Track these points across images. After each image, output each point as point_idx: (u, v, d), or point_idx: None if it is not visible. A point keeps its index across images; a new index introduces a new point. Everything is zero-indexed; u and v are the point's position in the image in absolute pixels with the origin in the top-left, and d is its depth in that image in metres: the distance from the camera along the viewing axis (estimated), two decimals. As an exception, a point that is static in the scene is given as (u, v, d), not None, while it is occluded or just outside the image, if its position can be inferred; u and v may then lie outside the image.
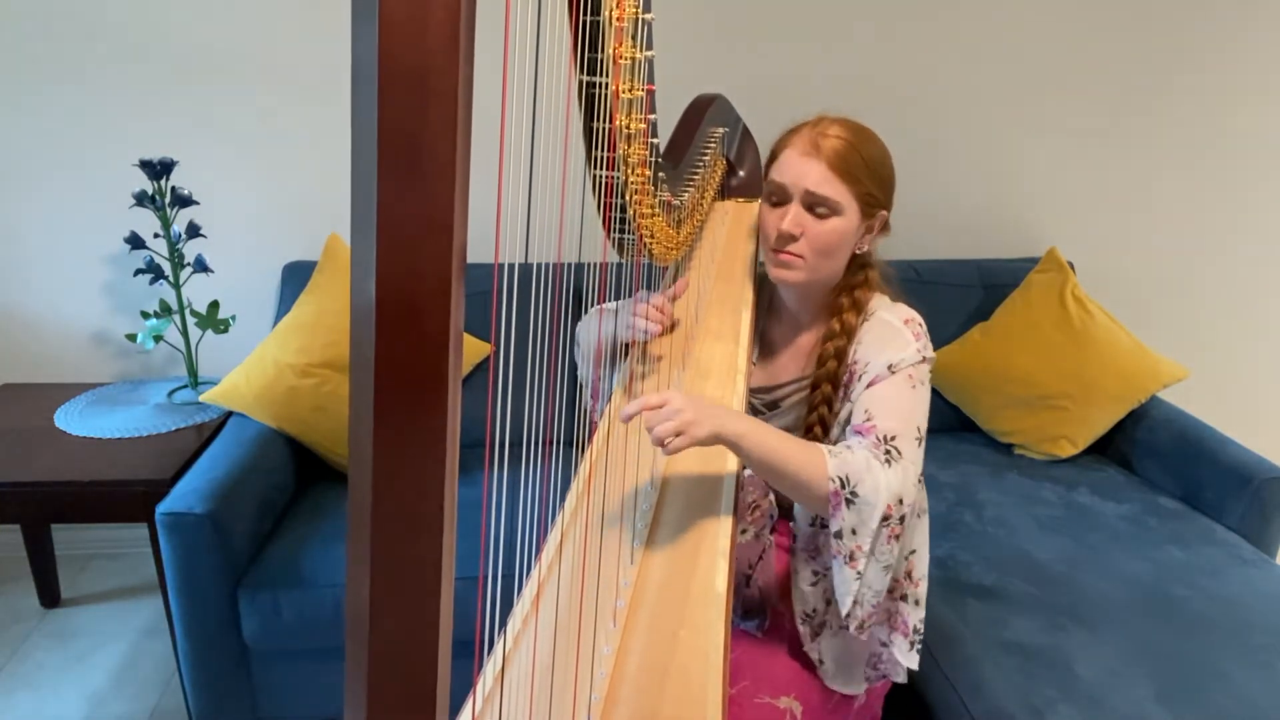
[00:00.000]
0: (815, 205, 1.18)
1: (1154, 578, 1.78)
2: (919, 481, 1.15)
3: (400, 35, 0.38)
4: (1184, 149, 2.56)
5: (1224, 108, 2.53)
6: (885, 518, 1.08)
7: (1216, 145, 2.56)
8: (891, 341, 1.19)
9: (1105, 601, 1.71)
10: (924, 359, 1.18)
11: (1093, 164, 2.55)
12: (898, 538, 1.11)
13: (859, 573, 1.10)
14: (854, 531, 1.08)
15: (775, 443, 1.06)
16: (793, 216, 1.19)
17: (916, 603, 1.25)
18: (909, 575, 1.25)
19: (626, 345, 1.35)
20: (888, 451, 1.11)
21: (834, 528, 1.09)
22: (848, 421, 1.21)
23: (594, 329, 1.41)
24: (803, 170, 1.18)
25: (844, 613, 1.12)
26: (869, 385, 1.17)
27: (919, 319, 1.23)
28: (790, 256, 1.21)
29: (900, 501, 1.09)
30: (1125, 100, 2.50)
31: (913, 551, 1.26)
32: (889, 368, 1.17)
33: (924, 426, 1.16)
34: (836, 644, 1.27)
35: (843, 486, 1.07)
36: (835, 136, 1.18)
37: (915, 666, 1.25)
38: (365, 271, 0.41)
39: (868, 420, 1.14)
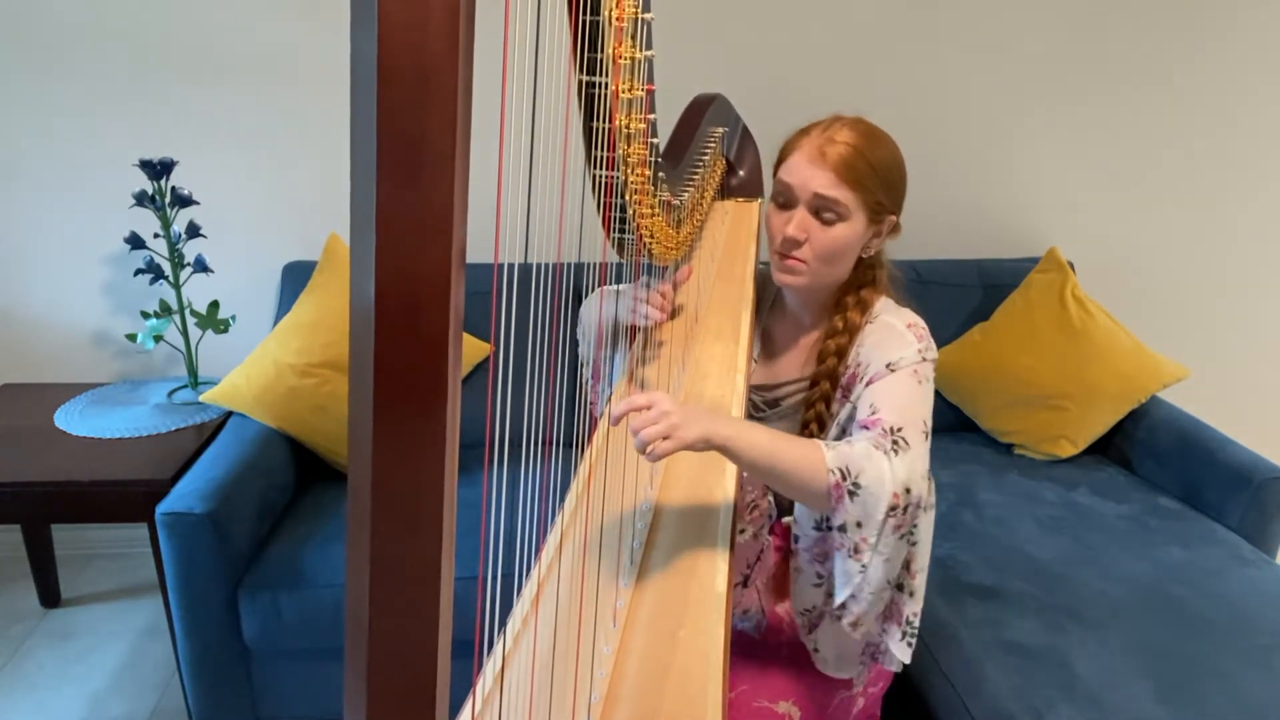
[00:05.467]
0: (822, 210, 1.17)
1: (1154, 578, 1.78)
2: (928, 477, 1.12)
3: (400, 36, 0.38)
4: (1184, 149, 2.56)
5: (1225, 107, 2.53)
6: (892, 508, 1.04)
7: (1217, 145, 2.56)
8: (893, 343, 1.18)
9: (1105, 601, 1.70)
10: (925, 359, 1.17)
11: (1093, 164, 2.55)
12: (905, 531, 1.08)
13: (863, 565, 1.07)
14: (859, 525, 1.05)
15: (769, 442, 1.03)
16: (798, 221, 1.18)
17: (912, 594, 1.23)
18: (908, 566, 1.22)
19: (628, 328, 1.35)
20: (894, 442, 1.08)
21: (837, 521, 1.06)
22: (847, 422, 1.20)
23: (597, 309, 1.41)
24: (810, 174, 1.16)
25: (838, 602, 1.10)
26: (868, 384, 1.17)
27: (922, 323, 1.22)
28: (795, 261, 1.21)
29: (908, 491, 1.05)
30: (1126, 100, 2.49)
31: (914, 543, 1.23)
32: (888, 366, 1.16)
33: (929, 421, 1.14)
34: (833, 632, 1.25)
35: (844, 478, 1.04)
36: (844, 143, 1.16)
37: (907, 660, 1.22)
38: (364, 272, 0.41)
39: (873, 414, 1.12)
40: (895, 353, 1.17)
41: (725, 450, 1.00)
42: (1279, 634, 1.63)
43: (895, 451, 1.08)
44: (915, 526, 1.12)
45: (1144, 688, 1.48)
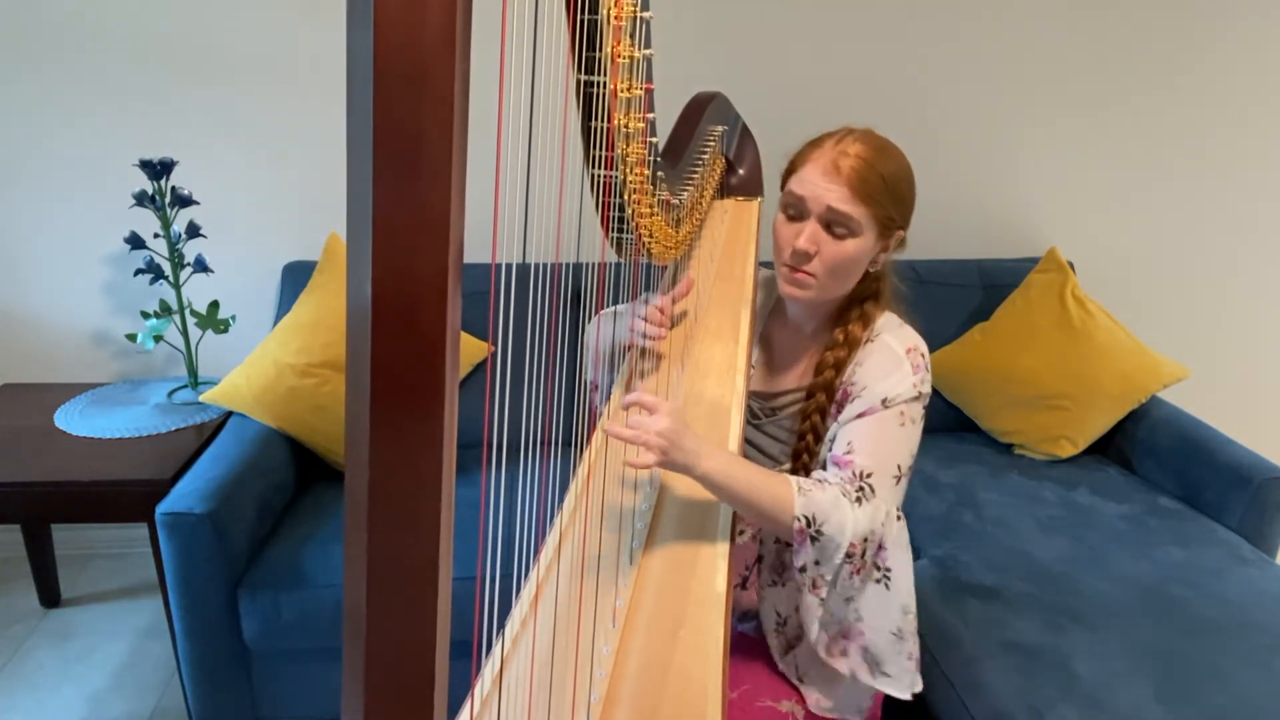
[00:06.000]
0: (834, 224, 1.16)
1: (1154, 578, 1.78)
2: (898, 518, 1.16)
3: (396, 33, 0.38)
4: (1185, 149, 2.56)
5: (1225, 109, 2.53)
6: (849, 555, 1.11)
7: (1217, 145, 2.56)
8: (891, 372, 1.18)
9: (1105, 601, 1.70)
10: (919, 395, 1.17)
11: (1093, 164, 2.55)
12: (859, 573, 1.14)
13: (822, 599, 1.14)
14: (817, 563, 1.11)
15: (744, 480, 1.07)
16: (809, 234, 1.17)
17: (912, 632, 1.22)
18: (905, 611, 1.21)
19: (626, 349, 1.35)
20: (860, 489, 1.12)
21: (798, 562, 1.12)
22: (834, 441, 1.20)
23: (597, 334, 1.41)
24: (824, 188, 1.15)
25: (811, 637, 1.16)
26: (859, 415, 1.16)
27: (923, 348, 1.21)
28: (804, 275, 1.20)
29: (865, 540, 1.11)
30: (1126, 100, 2.49)
31: (884, 580, 1.19)
32: (883, 402, 1.16)
33: (906, 464, 1.16)
34: (818, 662, 1.23)
35: (808, 525, 1.09)
36: (857, 156, 1.15)
37: (920, 688, 1.21)
38: (361, 272, 0.41)
39: (848, 453, 1.15)
40: (893, 386, 1.16)
41: (702, 481, 1.05)
42: (1279, 634, 1.63)
43: (860, 500, 1.12)
44: (889, 570, 1.15)
45: (1144, 688, 1.48)
